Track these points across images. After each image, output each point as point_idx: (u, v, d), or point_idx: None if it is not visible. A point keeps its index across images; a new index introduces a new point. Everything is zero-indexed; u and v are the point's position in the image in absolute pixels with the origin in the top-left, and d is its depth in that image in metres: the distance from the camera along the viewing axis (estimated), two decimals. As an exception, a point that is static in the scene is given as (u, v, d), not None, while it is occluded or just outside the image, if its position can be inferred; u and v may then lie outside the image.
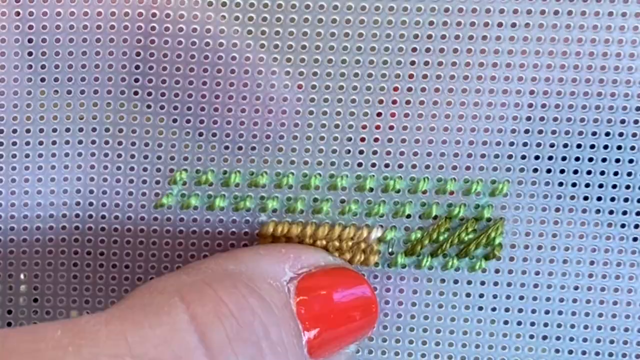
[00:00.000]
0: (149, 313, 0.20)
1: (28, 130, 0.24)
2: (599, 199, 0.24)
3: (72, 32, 0.23)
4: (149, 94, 0.23)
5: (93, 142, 0.24)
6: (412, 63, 0.23)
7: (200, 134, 0.24)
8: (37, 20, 0.23)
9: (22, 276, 0.24)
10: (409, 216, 0.25)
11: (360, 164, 0.24)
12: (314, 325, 0.22)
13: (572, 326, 0.25)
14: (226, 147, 0.24)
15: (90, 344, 0.19)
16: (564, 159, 0.24)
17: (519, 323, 0.25)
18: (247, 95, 0.23)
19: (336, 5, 0.23)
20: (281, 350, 0.21)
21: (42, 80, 0.23)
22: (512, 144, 0.24)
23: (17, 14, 0.23)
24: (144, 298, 0.21)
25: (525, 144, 0.24)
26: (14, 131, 0.24)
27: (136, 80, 0.23)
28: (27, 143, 0.24)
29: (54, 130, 0.24)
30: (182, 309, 0.20)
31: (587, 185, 0.24)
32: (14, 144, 0.24)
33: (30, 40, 0.23)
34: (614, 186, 0.24)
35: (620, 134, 0.24)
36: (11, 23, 0.23)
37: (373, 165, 0.24)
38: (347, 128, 0.24)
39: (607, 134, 0.24)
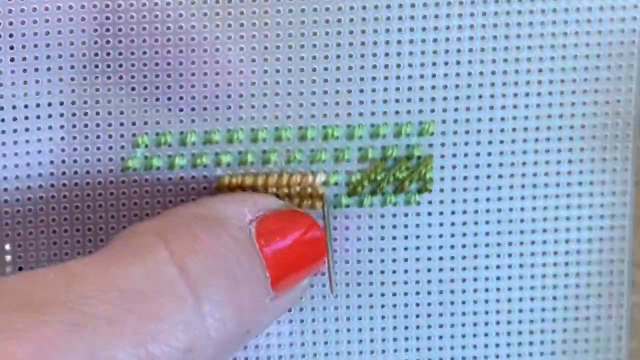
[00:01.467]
0: (131, 252, 0.22)
1: (1, 108, 0.25)
2: None
3: (34, 14, 0.24)
4: (108, 65, 0.25)
5: (61, 114, 0.25)
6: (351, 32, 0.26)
7: (157, 99, 0.25)
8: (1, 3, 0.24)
9: (7, 247, 0.26)
10: (348, 161, 0.27)
11: (301, 116, 0.26)
12: (273, 261, 0.24)
13: (498, 244, 0.28)
14: (181, 110, 0.25)
15: (80, 282, 0.21)
16: (480, 97, 0.27)
17: (452, 247, 0.28)
18: (196, 60, 0.25)
19: None
20: (252, 279, 0.23)
21: (12, 60, 0.24)
22: (433, 87, 0.26)
23: None
24: (125, 240, 0.23)
25: (445, 87, 0.26)
26: None
27: (96, 55, 0.24)
28: (1, 120, 0.25)
29: (26, 107, 0.25)
30: (162, 246, 0.22)
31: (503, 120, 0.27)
32: None
33: None
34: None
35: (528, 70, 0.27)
36: None
37: (313, 116, 0.26)
38: (287, 84, 0.26)
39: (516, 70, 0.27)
